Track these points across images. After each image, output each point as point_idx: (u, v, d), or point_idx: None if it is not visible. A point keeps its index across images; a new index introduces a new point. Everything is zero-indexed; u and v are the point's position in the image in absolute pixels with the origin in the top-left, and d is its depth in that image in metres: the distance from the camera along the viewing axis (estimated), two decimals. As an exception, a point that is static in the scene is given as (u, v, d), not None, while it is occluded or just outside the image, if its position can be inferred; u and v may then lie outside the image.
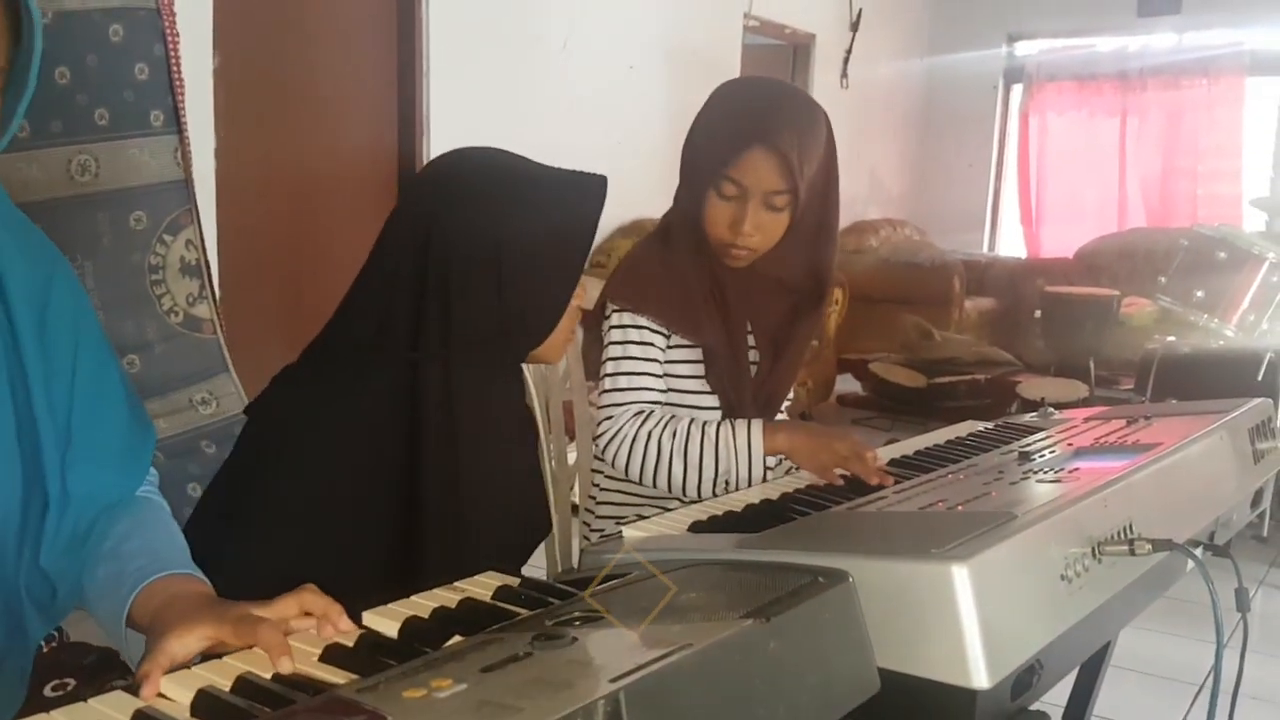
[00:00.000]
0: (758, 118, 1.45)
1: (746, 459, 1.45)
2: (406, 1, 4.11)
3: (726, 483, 1.47)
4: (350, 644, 0.79)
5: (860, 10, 6.80)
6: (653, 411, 1.51)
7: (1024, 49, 7.60)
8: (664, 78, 5.39)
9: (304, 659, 0.76)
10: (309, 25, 3.85)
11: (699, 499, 1.49)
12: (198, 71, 3.13)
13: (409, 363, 1.11)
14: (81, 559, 0.97)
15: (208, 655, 0.80)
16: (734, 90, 1.56)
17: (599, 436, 1.52)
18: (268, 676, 0.73)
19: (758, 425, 1.47)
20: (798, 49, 6.56)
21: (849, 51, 6.81)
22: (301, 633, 0.82)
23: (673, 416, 1.51)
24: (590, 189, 1.18)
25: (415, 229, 1.12)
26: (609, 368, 1.53)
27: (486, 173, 1.15)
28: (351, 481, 1.09)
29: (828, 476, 1.35)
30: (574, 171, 1.18)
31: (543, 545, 1.74)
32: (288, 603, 0.82)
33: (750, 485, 1.46)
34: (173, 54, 2.59)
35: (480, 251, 1.10)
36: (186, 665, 0.78)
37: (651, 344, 1.53)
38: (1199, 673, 2.48)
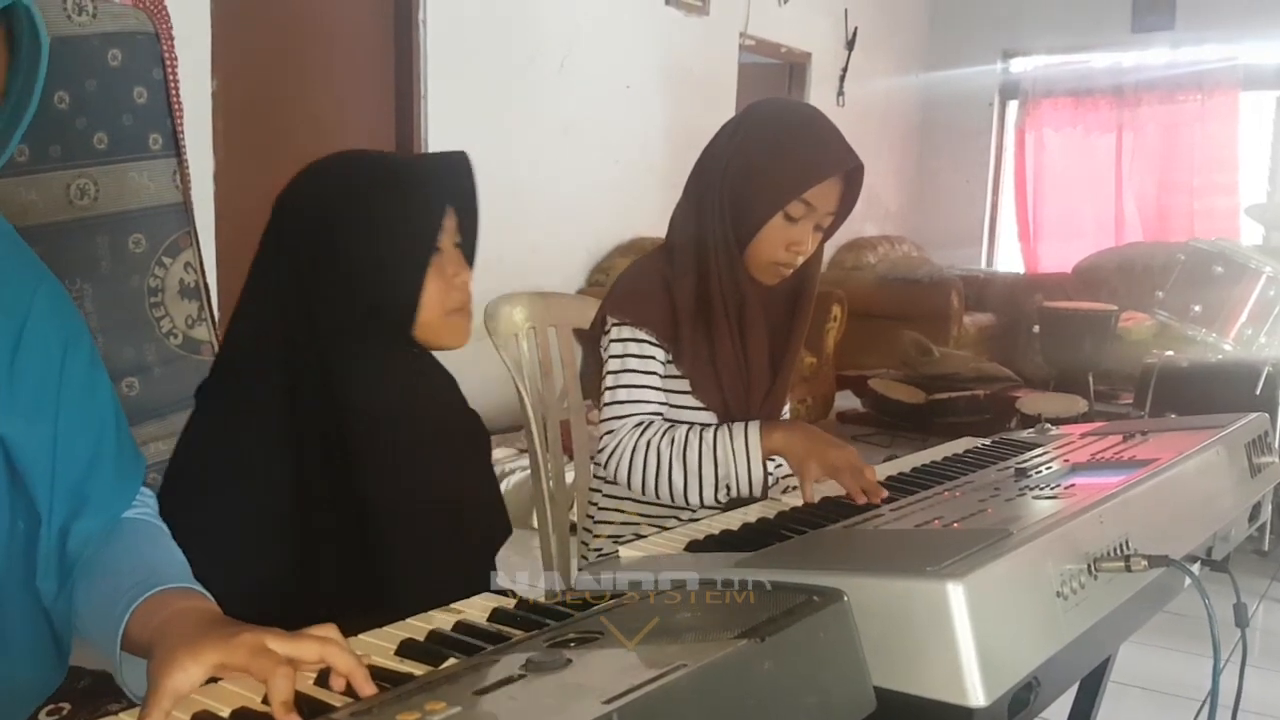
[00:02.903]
0: (835, 144, 1.50)
1: (745, 460, 1.45)
2: (403, 24, 4.14)
3: (728, 488, 1.46)
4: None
5: (856, 29, 6.84)
6: (653, 422, 1.51)
7: (1019, 65, 7.64)
8: (661, 97, 5.42)
9: (299, 680, 0.76)
10: (306, 48, 3.88)
11: (701, 506, 1.49)
12: (196, 95, 3.15)
13: (285, 365, 1.13)
14: (74, 582, 0.95)
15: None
16: (794, 115, 1.57)
17: (600, 451, 1.52)
18: (260, 699, 0.73)
19: (755, 426, 1.46)
20: (794, 68, 6.60)
21: (845, 70, 6.85)
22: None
23: (673, 425, 1.50)
24: (435, 165, 1.19)
25: (271, 236, 1.19)
26: (609, 381, 1.53)
27: (325, 172, 1.20)
28: (251, 495, 1.11)
29: (805, 490, 1.35)
30: (427, 154, 1.20)
31: (541, 567, 1.74)
32: (309, 646, 0.75)
33: (751, 489, 1.45)
34: (171, 78, 2.61)
35: (322, 246, 1.15)
36: None
37: (652, 357, 1.53)
38: (1201, 689, 2.46)
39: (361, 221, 1.14)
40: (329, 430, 1.12)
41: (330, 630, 0.77)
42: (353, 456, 1.13)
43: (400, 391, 1.19)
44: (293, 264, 1.16)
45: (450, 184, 1.20)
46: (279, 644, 0.74)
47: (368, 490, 1.13)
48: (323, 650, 0.75)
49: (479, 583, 1.21)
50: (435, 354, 1.26)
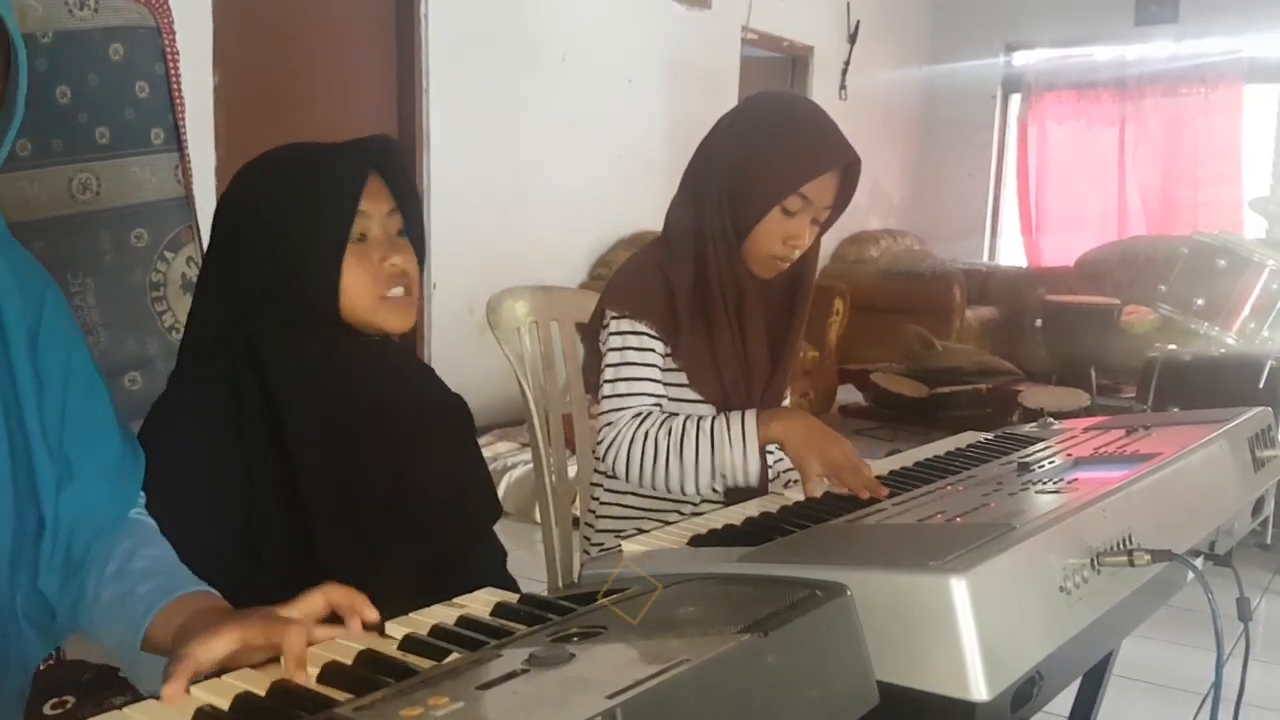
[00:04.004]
0: (832, 138, 1.50)
1: (741, 449, 1.44)
2: (405, 19, 4.14)
3: (724, 477, 1.46)
4: (349, 662, 0.79)
5: (858, 22, 6.82)
6: (651, 413, 1.51)
7: (1022, 58, 7.63)
8: (663, 91, 5.41)
9: (305, 677, 0.76)
10: (308, 43, 3.88)
11: (698, 495, 1.49)
12: (198, 89, 3.15)
13: (223, 349, 1.16)
14: (81, 581, 0.96)
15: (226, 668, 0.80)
16: (792, 108, 1.56)
17: (599, 443, 1.52)
18: (263, 694, 0.73)
19: (751, 415, 1.46)
20: (796, 61, 6.59)
21: (847, 63, 6.84)
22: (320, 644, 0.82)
23: (670, 416, 1.50)
24: (349, 153, 1.18)
25: (211, 230, 1.23)
26: (608, 374, 1.53)
27: (250, 167, 1.21)
28: (198, 483, 1.12)
29: (808, 486, 1.34)
30: (347, 142, 1.20)
31: (544, 561, 1.75)
32: (313, 598, 0.84)
33: (748, 478, 1.45)
34: (173, 72, 2.60)
35: (244, 232, 1.18)
36: (205, 676, 0.78)
37: (651, 350, 1.53)
38: (1204, 682, 2.46)
39: (273, 213, 1.16)
40: (269, 418, 1.13)
41: (329, 584, 0.85)
42: (288, 442, 1.13)
43: (335, 378, 1.18)
44: (222, 257, 1.20)
45: (359, 172, 1.17)
46: (287, 609, 0.82)
47: (303, 476, 1.13)
48: (325, 594, 0.84)
49: (453, 568, 1.20)
50: (416, 345, 1.26)
